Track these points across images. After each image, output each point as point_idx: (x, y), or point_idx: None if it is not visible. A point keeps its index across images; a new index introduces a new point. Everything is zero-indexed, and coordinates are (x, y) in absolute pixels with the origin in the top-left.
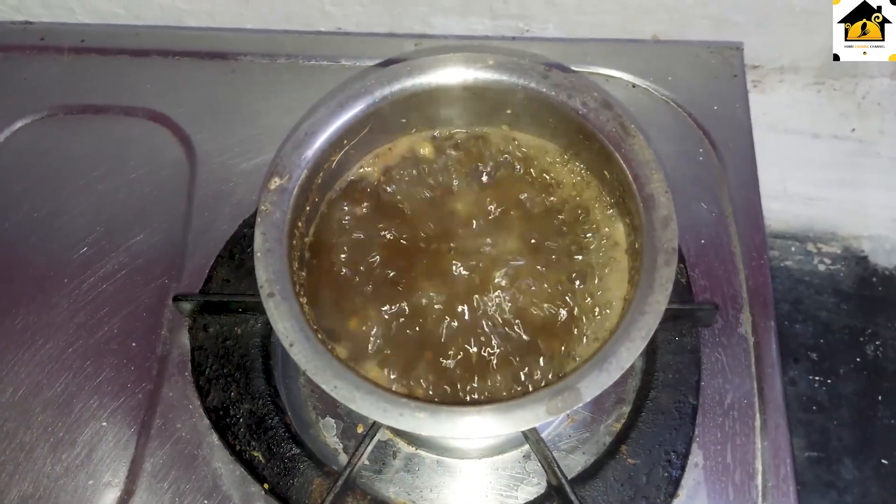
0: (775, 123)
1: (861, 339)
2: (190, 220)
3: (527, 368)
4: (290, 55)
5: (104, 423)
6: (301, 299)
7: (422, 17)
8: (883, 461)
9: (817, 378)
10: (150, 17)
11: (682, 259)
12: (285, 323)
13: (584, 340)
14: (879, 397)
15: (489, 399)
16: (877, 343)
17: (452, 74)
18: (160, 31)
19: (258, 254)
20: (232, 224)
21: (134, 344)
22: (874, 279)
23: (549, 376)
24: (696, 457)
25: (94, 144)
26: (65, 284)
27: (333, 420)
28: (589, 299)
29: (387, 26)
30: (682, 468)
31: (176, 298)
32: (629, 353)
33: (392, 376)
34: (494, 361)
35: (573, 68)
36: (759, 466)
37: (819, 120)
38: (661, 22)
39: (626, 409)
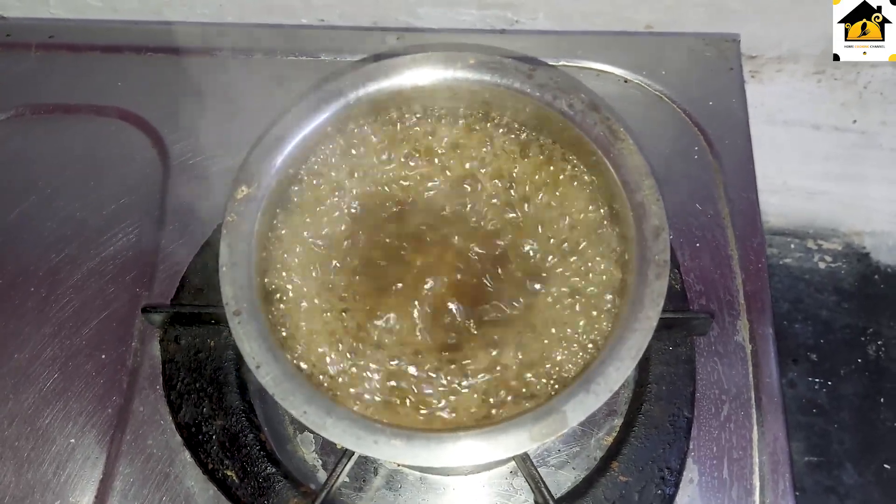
0: (774, 115)
1: (862, 338)
2: (163, 225)
3: None
4: (268, 50)
5: (72, 440)
6: (271, 315)
7: (407, 8)
8: (885, 465)
9: (817, 379)
10: (127, 9)
11: (676, 264)
12: (252, 343)
13: None
14: (881, 399)
15: (469, 425)
16: (879, 343)
17: (431, 74)
18: (132, 25)
19: (223, 268)
20: (206, 229)
21: (104, 356)
22: (876, 277)
23: None
24: (690, 472)
25: (63, 145)
26: (32, 293)
27: (312, 435)
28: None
29: (371, 17)
30: (677, 485)
31: (145, 310)
32: (618, 374)
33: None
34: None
35: (563, 63)
36: (757, 482)
37: (819, 111)
38: (656, 11)
39: (618, 421)
